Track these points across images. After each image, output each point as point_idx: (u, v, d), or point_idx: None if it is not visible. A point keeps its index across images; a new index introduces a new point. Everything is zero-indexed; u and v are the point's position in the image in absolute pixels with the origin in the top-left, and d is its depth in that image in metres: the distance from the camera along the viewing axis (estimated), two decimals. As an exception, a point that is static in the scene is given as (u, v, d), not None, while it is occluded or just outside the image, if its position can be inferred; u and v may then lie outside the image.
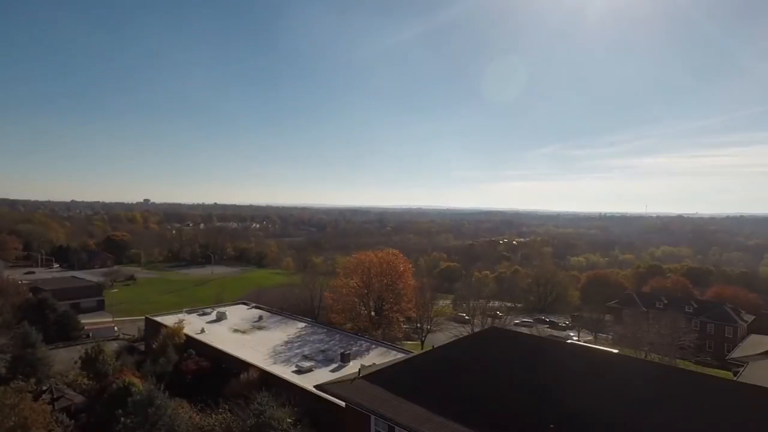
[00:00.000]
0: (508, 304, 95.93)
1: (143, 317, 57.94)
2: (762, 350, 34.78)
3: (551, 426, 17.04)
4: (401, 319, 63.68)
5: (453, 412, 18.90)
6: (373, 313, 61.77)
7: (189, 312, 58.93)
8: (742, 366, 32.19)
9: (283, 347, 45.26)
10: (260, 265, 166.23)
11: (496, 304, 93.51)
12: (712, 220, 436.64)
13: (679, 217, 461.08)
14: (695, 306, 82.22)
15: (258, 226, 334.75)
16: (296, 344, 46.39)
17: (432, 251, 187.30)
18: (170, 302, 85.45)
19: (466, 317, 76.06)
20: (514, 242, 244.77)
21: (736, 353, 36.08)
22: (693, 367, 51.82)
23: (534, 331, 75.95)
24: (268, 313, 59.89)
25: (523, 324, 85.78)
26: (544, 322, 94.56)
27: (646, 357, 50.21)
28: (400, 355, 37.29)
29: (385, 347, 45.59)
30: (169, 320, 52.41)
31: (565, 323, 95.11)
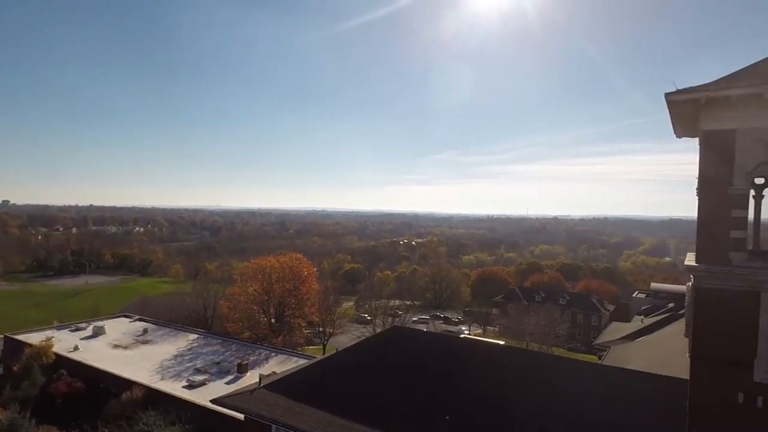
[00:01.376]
0: (408, 303, 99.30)
1: (1, 336, 49.98)
2: (621, 336, 40.14)
3: (447, 417, 18.10)
4: (303, 324, 62.66)
5: (357, 413, 19.16)
6: (273, 320, 59.96)
7: (59, 328, 52.09)
8: (606, 350, 36.79)
9: (172, 362, 42.02)
10: (144, 273, 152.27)
11: (397, 302, 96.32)
12: (582, 221, 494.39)
13: (555, 219, 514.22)
14: (567, 298, 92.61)
15: (142, 229, 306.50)
16: (187, 357, 43.35)
17: (337, 253, 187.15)
18: (35, 318, 74.45)
19: (369, 318, 77.15)
20: (413, 243, 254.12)
21: (601, 339, 41.23)
22: (566, 353, 58.30)
23: (430, 328, 79.66)
24: (154, 326, 55.11)
25: (420, 321, 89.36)
26: (439, 318, 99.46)
27: (527, 346, 55.43)
28: (302, 362, 36.70)
29: (286, 354, 44.54)
30: (34, 338, 45.81)
31: (457, 318, 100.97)
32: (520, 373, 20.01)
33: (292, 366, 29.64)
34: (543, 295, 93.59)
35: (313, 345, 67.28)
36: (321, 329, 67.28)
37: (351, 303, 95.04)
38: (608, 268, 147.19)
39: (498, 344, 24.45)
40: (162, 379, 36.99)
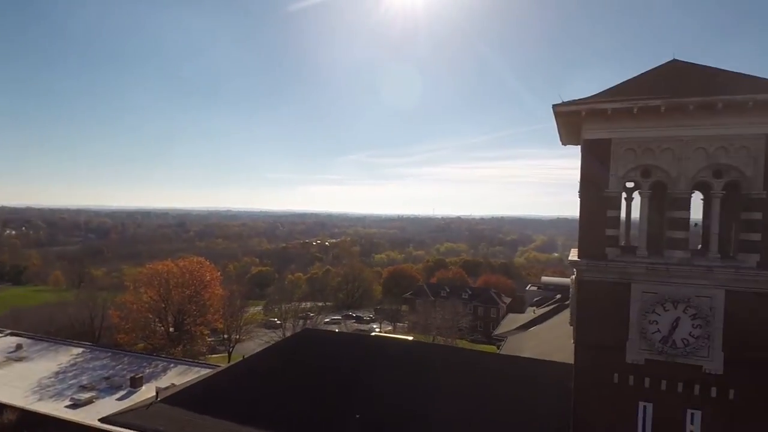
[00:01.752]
0: (320, 304, 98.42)
1: None
2: (516, 326, 43.31)
3: (357, 416, 18.21)
4: (206, 332, 59.21)
5: (264, 420, 18.53)
6: (172, 329, 55.87)
7: None
8: (503, 340, 39.48)
9: (53, 379, 37.39)
10: (17, 281, 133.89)
11: (309, 305, 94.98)
12: (482, 221, 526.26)
13: (459, 218, 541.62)
14: (470, 292, 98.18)
15: (14, 232, 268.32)
16: (71, 374, 38.82)
17: (243, 256, 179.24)
18: None
19: (278, 322, 75.20)
20: (327, 243, 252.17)
21: (499, 330, 44.18)
22: (468, 345, 61.79)
23: (342, 328, 79.72)
24: (30, 341, 48.55)
25: (332, 322, 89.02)
26: (351, 317, 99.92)
27: (433, 340, 57.83)
28: (204, 372, 34.65)
29: (186, 365, 41.74)
30: None
31: (369, 317, 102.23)
32: (427, 366, 20.77)
33: (194, 377, 27.88)
34: (448, 290, 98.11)
35: (217, 353, 63.93)
36: (226, 336, 64.09)
37: (259, 307, 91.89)
38: (505, 264, 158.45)
39: (407, 340, 25.17)
40: (40, 400, 32.85)
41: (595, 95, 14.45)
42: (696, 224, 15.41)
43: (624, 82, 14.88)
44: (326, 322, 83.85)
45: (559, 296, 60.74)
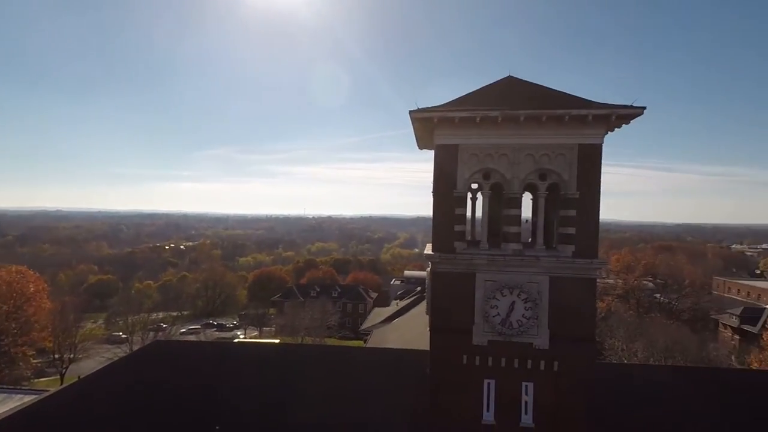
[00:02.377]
0: (174, 314, 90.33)
1: None
2: (381, 320, 45.14)
3: (217, 428, 17.15)
4: (30, 352, 50.23)
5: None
6: (-17, 353, 46.24)
7: None
8: (369, 334, 40.82)
9: None
10: None
11: (161, 315, 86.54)
12: (352, 220, 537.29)
13: (329, 218, 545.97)
14: (339, 290, 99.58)
15: None
16: None
17: (78, 263, 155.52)
18: None
19: (124, 336, 67.15)
20: (182, 246, 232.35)
21: (365, 325, 45.60)
22: (337, 342, 62.58)
23: (201, 337, 74.27)
24: None
25: (190, 332, 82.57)
26: (212, 326, 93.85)
27: (302, 341, 57.27)
28: (29, 398, 29.27)
29: (5, 393, 34.84)
30: None
31: (233, 323, 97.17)
32: (292, 368, 20.47)
33: (14, 405, 23.40)
34: (318, 289, 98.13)
35: (46, 376, 54.72)
36: (57, 356, 55.20)
37: (100, 321, 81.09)
38: (373, 260, 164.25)
39: (273, 343, 24.51)
40: None
41: (445, 104, 15.72)
42: (527, 220, 17.73)
43: (468, 94, 16.44)
44: (182, 333, 77.43)
45: (419, 288, 65.08)
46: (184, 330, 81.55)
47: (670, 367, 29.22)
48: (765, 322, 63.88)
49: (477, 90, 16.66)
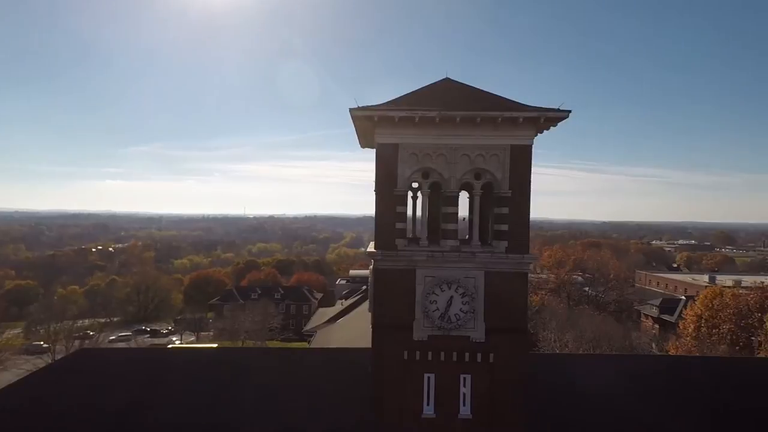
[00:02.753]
0: (102, 320, 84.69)
1: None
2: (326, 320, 44.87)
3: (149, 440, 16.31)
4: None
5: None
6: None
7: None
8: (313, 335, 40.46)
9: None
10: None
11: (87, 322, 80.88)
12: (296, 219, 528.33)
13: (271, 218, 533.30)
14: (282, 292, 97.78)
15: None
16: None
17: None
18: None
19: (45, 345, 62.18)
20: (111, 249, 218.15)
21: (309, 326, 45.13)
22: (280, 344, 61.36)
23: (133, 344, 70.22)
24: None
25: (120, 339, 77.78)
26: (145, 332, 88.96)
27: (243, 344, 55.69)
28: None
29: None
30: None
31: (168, 329, 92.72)
32: (231, 372, 19.88)
33: None
34: (259, 291, 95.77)
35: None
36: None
37: (18, 330, 74.50)
38: (318, 261, 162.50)
39: (210, 348, 23.66)
40: None
41: (385, 103, 15.89)
42: (464, 218, 18.32)
43: (408, 94, 16.72)
44: (111, 341, 72.86)
45: (365, 287, 65.22)
46: (113, 337, 76.74)
47: (598, 356, 31.35)
48: (681, 311, 69.97)
49: (416, 91, 16.97)
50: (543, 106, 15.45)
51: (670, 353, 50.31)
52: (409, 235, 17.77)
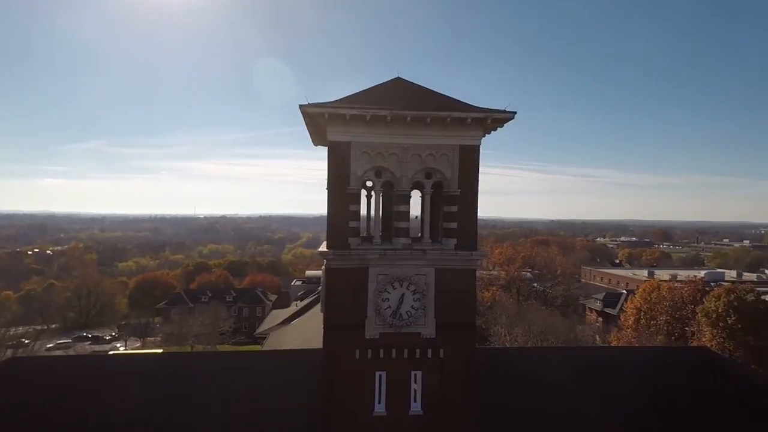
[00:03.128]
0: (40, 327, 79.31)
1: None
2: (279, 321, 44.01)
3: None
4: None
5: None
6: None
7: None
8: (266, 337, 39.61)
9: None
10: None
11: (22, 329, 75.54)
12: (249, 219, 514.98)
13: (223, 217, 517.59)
14: (234, 294, 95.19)
15: None
16: None
17: None
18: None
19: (-28, 356, 57.21)
20: (49, 251, 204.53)
21: (262, 328, 44.12)
22: (231, 348, 59.74)
23: (71, 352, 66.21)
24: None
25: (59, 347, 73.22)
26: (86, 339, 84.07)
27: (192, 349, 53.74)
28: None
29: None
30: None
31: (111, 335, 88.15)
32: (175, 378, 19.16)
33: None
34: (210, 294, 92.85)
35: None
36: None
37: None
38: (273, 262, 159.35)
39: (155, 353, 22.69)
40: None
41: (336, 101, 15.83)
42: (416, 217, 18.55)
43: (360, 92, 16.74)
44: (49, 348, 68.40)
45: (321, 287, 64.40)
46: (51, 345, 72.08)
47: (545, 348, 32.59)
48: (622, 305, 73.95)
49: (367, 89, 17.02)
50: (490, 108, 15.91)
51: (612, 344, 53.12)
52: (364, 234, 17.81)
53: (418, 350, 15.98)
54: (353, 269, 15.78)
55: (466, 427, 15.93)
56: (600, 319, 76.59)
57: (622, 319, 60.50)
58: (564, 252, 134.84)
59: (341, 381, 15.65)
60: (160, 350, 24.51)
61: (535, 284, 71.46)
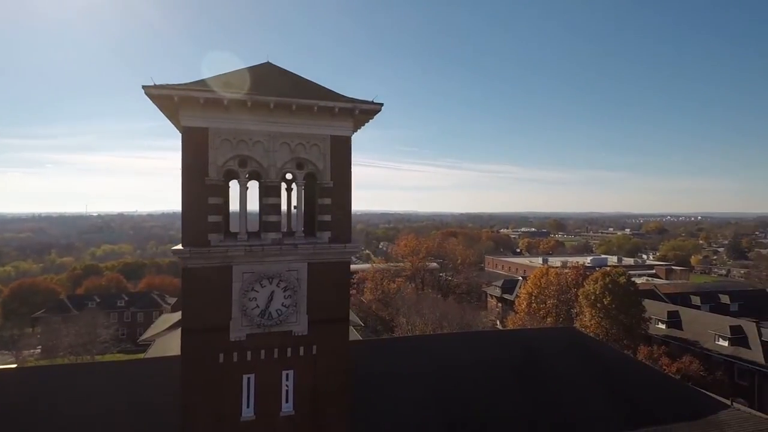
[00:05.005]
0: None
1: None
2: (167, 326, 40.80)
3: None
4: None
5: None
6: None
7: None
8: (150, 344, 36.50)
9: None
10: None
11: None
12: (151, 217, 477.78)
13: (120, 215, 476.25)
14: (127, 299, 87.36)
15: None
16: None
17: None
18: None
19: None
20: None
21: (148, 334, 40.64)
22: (114, 357, 54.56)
23: None
24: None
25: None
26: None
27: (64, 361, 48.01)
28: None
29: None
30: None
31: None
32: (35, 395, 16.75)
33: None
34: (98, 300, 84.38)
35: None
36: None
37: None
38: (174, 263, 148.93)
39: (8, 369, 19.74)
40: None
41: (191, 83, 14.48)
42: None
43: (224, 74, 15.51)
44: None
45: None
46: None
47: (443, 335, 33.45)
48: (518, 291, 79.12)
49: (232, 72, 15.87)
50: (359, 98, 15.53)
51: (508, 327, 56.53)
52: (238, 230, 16.58)
53: (289, 349, 15.25)
54: (214, 268, 14.58)
55: (340, 422, 15.54)
56: (500, 304, 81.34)
57: (516, 304, 64.62)
58: (471, 243, 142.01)
59: (204, 388, 14.42)
60: (14, 365, 21.35)
61: (443, 274, 73.91)
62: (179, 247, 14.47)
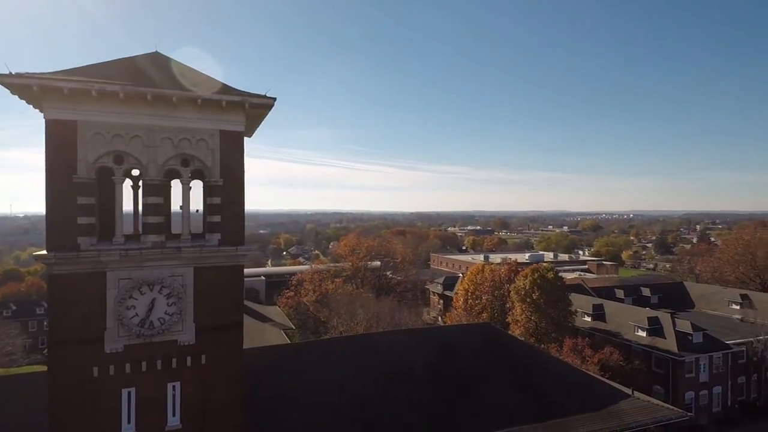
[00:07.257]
0: None
1: None
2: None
3: None
4: None
5: None
6: None
7: None
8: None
9: None
10: None
11: None
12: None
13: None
14: (46, 306, 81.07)
15: None
16: None
17: None
18: None
19: None
20: None
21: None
22: (26, 369, 50.33)
23: None
24: None
25: None
26: None
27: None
28: None
29: None
30: None
31: None
32: None
33: None
34: (14, 308, 77.73)
35: None
36: None
37: None
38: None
39: None
40: None
41: (58, 71, 13.18)
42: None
43: (100, 63, 14.32)
44: None
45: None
46: None
47: (362, 336, 33.02)
48: (457, 288, 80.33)
49: (114, 60, 14.66)
50: (249, 92, 14.76)
51: (447, 323, 57.11)
52: (120, 231, 15.30)
53: (174, 359, 14.26)
54: (86, 275, 13.35)
55: (231, 435, 14.73)
56: (441, 301, 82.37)
57: (454, 300, 65.56)
58: (418, 241, 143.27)
59: (76, 406, 13.17)
60: None
61: (389, 273, 73.87)
62: (43, 252, 13.12)
